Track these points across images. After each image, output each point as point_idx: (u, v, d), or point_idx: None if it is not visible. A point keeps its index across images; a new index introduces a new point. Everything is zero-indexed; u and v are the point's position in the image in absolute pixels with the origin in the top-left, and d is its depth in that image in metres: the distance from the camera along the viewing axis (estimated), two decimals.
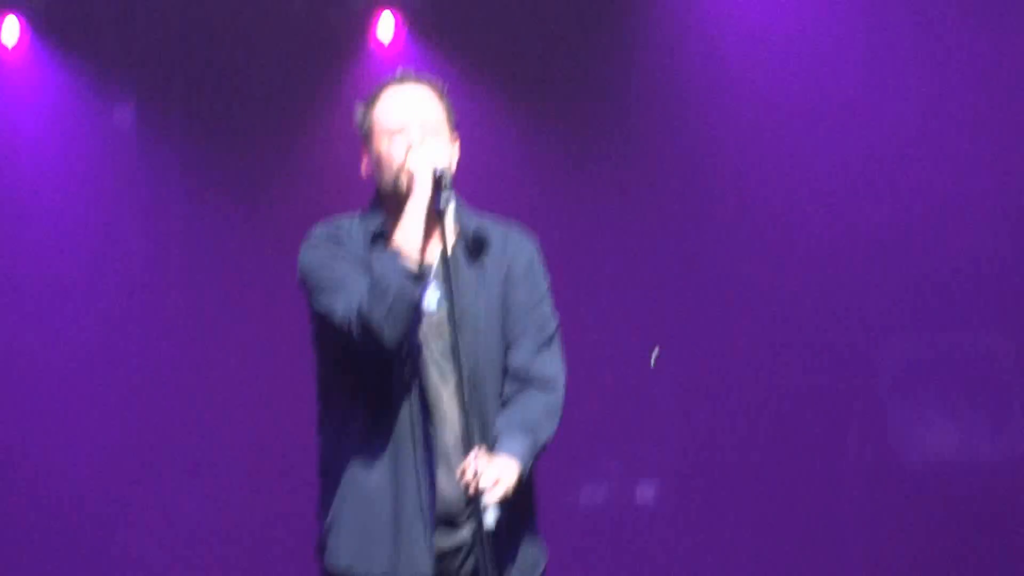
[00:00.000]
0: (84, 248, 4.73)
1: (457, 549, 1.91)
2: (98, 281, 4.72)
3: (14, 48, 4.67)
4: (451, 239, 1.90)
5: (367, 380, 1.87)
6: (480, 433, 1.83)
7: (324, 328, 1.88)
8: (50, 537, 4.62)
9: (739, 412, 4.46)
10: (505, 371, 1.93)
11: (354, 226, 1.95)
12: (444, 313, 1.83)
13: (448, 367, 1.85)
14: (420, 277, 1.81)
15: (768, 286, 4.41)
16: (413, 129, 1.88)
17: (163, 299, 4.67)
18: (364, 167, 1.98)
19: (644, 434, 4.58)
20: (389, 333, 1.77)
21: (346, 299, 1.81)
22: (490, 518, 1.76)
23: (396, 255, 1.81)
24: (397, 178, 1.88)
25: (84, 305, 4.70)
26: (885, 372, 4.60)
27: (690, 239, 4.51)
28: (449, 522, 1.89)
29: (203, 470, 4.64)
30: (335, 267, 1.87)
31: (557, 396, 1.94)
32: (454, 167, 1.93)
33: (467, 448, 1.78)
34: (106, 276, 4.72)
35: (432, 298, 1.89)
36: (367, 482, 1.88)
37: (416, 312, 1.83)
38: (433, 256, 1.87)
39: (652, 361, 4.41)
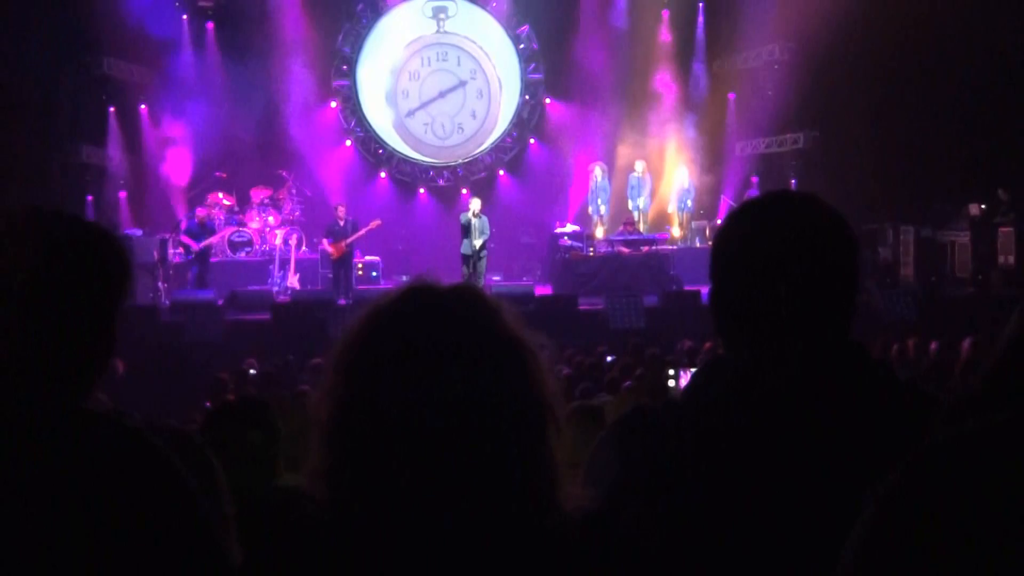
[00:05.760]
0: None
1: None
2: None
3: None
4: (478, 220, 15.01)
5: (466, 232, 14.84)
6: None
7: (460, 228, 15.12)
8: None
9: None
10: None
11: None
12: (475, 231, 14.86)
13: (475, 233, 14.88)
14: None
15: None
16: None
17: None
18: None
19: None
20: (465, 229, 14.87)
21: (463, 220, 15.04)
22: (477, 245, 15.20)
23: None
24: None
25: None
26: None
27: None
28: (472, 247, 15.04)
29: None
30: (461, 219, 15.24)
31: (487, 235, 14.98)
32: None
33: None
34: None
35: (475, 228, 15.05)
36: (464, 241, 15.25)
37: (470, 227, 14.88)
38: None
39: None
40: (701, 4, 19.40)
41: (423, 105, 20.33)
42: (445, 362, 1.23)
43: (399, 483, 1.21)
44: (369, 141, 20.32)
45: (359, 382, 1.25)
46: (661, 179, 18.70)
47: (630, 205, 18.06)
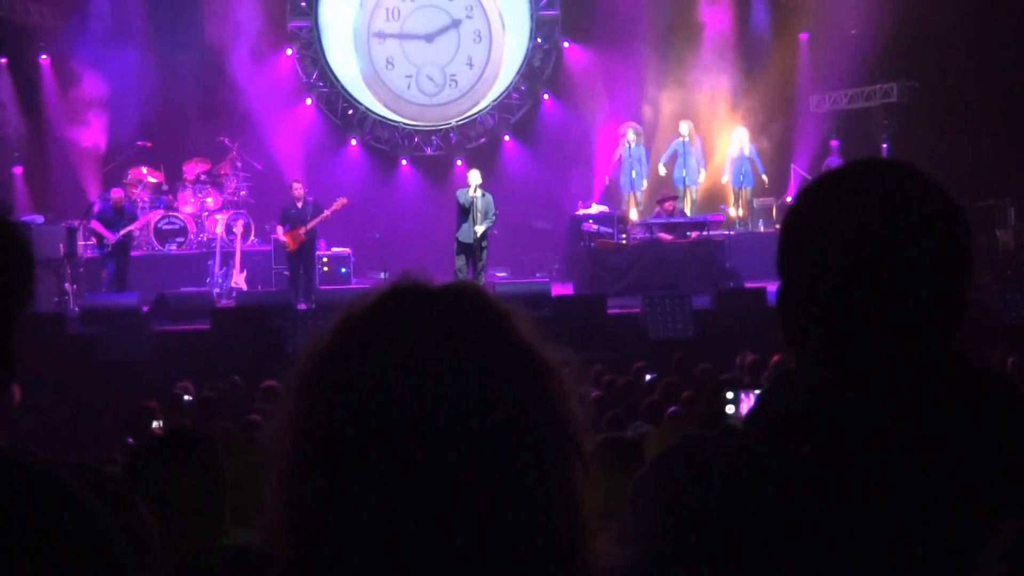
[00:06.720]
0: None
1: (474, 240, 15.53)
2: None
3: None
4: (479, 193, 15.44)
5: (465, 215, 15.29)
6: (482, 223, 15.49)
7: (458, 208, 15.57)
8: None
9: None
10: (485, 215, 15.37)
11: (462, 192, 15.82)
12: (477, 213, 15.22)
13: (478, 216, 15.26)
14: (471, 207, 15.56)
15: None
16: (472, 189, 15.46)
17: None
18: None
19: None
20: (465, 210, 15.41)
21: (461, 198, 15.43)
22: (479, 231, 15.55)
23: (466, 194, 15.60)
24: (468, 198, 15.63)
25: None
26: None
27: None
28: (473, 234, 15.36)
29: None
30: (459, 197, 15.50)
31: (492, 219, 15.56)
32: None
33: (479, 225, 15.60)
34: None
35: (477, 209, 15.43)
36: (463, 226, 15.34)
37: (472, 208, 15.34)
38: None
39: None
40: None
41: (401, 37, 20.57)
42: (439, 383, 1.23)
43: (379, 537, 1.20)
44: (335, 99, 20.67)
45: (329, 409, 1.24)
46: (714, 145, 18.83)
47: (666, 172, 18.27)
